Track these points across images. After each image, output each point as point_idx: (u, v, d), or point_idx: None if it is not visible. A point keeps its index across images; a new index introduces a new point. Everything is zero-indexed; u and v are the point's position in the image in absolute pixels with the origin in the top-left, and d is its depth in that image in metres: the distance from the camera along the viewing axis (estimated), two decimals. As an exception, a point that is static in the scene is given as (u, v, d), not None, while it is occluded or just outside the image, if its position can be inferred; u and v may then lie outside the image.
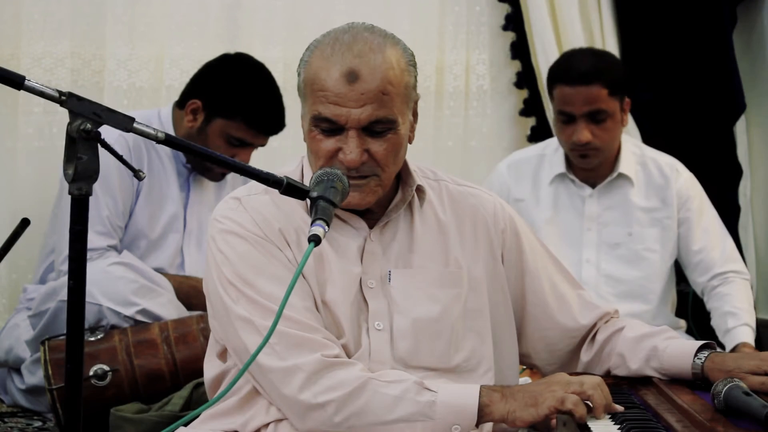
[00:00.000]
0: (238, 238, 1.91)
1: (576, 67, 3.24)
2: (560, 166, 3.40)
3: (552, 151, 3.46)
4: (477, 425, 1.79)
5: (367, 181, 1.88)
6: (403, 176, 2.00)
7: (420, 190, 2.00)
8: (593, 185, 3.39)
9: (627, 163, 3.36)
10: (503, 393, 1.80)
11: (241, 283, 1.87)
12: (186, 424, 1.79)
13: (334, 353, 1.83)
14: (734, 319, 3.20)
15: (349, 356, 1.88)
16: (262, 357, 1.80)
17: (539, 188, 3.45)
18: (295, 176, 1.98)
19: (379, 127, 1.86)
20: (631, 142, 3.46)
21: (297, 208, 1.94)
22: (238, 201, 1.96)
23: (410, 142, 1.96)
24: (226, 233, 1.92)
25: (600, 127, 3.22)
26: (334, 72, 1.84)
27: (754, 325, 3.22)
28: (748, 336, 3.17)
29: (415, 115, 1.97)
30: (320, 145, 1.88)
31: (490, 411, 1.78)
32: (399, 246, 1.97)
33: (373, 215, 1.98)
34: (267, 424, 1.88)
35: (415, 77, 1.93)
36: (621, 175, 3.36)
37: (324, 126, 1.86)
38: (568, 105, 3.21)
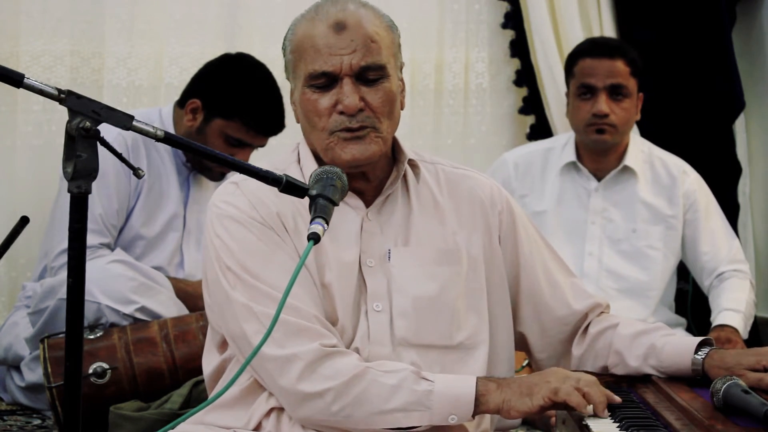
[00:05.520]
0: (236, 222, 1.91)
1: (601, 43, 3.42)
2: (570, 155, 3.43)
3: (561, 145, 3.50)
4: (473, 416, 1.80)
5: (366, 131, 1.90)
6: (395, 152, 2.02)
7: (413, 164, 2.01)
8: (599, 178, 3.40)
9: (633, 158, 3.39)
10: (499, 383, 1.81)
11: (239, 269, 1.87)
12: (185, 423, 1.80)
13: (332, 343, 1.83)
14: (725, 304, 3.25)
15: (347, 339, 1.89)
16: None
17: (545, 181, 3.48)
18: (291, 161, 2.00)
19: (371, 74, 1.90)
20: (639, 140, 3.50)
21: None
22: (236, 185, 1.96)
23: (402, 108, 2.00)
24: (224, 218, 1.92)
25: (618, 105, 3.30)
26: (321, 27, 1.91)
27: (746, 316, 3.24)
28: (732, 320, 3.20)
29: (402, 81, 2.01)
30: (317, 104, 1.91)
31: (486, 401, 1.79)
32: (397, 224, 1.98)
33: (370, 195, 1.99)
34: (269, 414, 1.88)
35: (399, 41, 1.98)
36: (627, 169, 3.38)
37: (319, 82, 1.90)
38: (591, 77, 3.30)
